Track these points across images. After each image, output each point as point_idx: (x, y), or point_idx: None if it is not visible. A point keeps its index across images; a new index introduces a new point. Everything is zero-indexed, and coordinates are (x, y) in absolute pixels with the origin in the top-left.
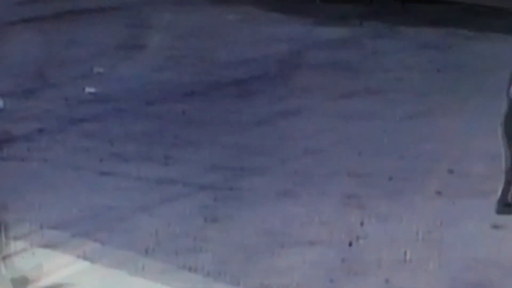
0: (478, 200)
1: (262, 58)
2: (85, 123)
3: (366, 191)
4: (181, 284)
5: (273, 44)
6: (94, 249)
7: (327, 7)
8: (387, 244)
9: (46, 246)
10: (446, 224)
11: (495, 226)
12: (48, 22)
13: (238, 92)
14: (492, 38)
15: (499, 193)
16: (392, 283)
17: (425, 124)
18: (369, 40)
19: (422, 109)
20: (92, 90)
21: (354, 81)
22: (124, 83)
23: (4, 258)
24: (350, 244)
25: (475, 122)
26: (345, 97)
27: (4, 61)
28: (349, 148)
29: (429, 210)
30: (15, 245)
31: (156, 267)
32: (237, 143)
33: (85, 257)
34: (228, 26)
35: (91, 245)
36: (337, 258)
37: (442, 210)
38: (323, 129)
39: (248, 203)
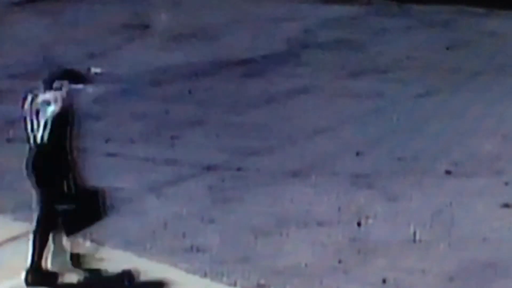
0: (488, 179)
1: (270, 37)
2: (91, 104)
3: (375, 170)
4: (188, 265)
5: (281, 23)
6: (101, 231)
7: None
8: (396, 224)
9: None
10: (456, 203)
11: (506, 205)
12: (52, 2)
13: (245, 72)
14: (502, 15)
15: None
16: (401, 264)
17: (435, 103)
18: (377, 18)
19: (431, 87)
20: (98, 70)
21: (362, 60)
22: (131, 63)
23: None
24: (359, 224)
25: (485, 100)
26: (353, 76)
27: (8, 42)
28: (357, 127)
29: (438, 189)
30: (22, 227)
31: (164, 248)
32: (245, 123)
33: (92, 239)
34: (235, 5)
35: (97, 226)
36: (346, 239)
37: (452, 190)
38: (332, 109)
39: (256, 183)
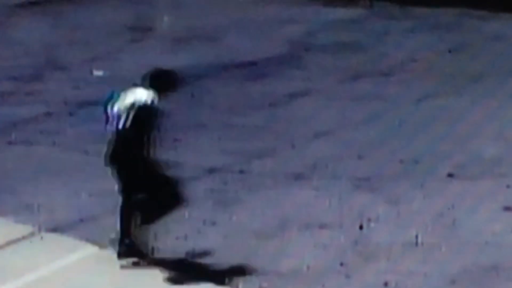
0: (491, 183)
1: (272, 40)
2: (93, 106)
3: (377, 173)
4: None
5: (283, 25)
6: (102, 234)
7: None
8: (398, 227)
9: (55, 230)
10: (458, 206)
11: (508, 208)
12: (56, 4)
13: (248, 74)
14: (504, 18)
15: None
16: (403, 266)
17: (437, 105)
18: (380, 21)
19: (434, 90)
20: (100, 73)
21: (364, 63)
22: (133, 65)
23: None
24: (361, 227)
25: (488, 103)
26: (355, 79)
27: (11, 43)
28: (359, 130)
29: (440, 192)
30: (24, 230)
31: (166, 250)
32: (247, 126)
33: (93, 242)
34: (237, 7)
35: (99, 229)
36: (348, 241)
37: (454, 193)
38: (334, 111)
39: (258, 186)
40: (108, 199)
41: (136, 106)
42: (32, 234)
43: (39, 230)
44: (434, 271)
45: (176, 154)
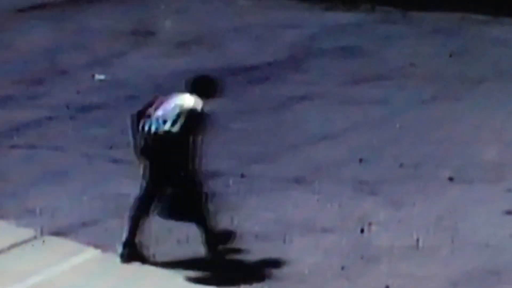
0: (491, 186)
1: (274, 44)
2: (95, 110)
3: (378, 177)
4: (191, 272)
5: (285, 30)
6: (104, 237)
7: None
8: (399, 230)
9: (57, 234)
10: (459, 210)
11: (508, 212)
12: (58, 9)
13: (250, 78)
14: (505, 23)
15: None
16: (404, 270)
17: (438, 109)
18: (381, 25)
19: (435, 94)
20: (101, 77)
21: (366, 67)
22: (135, 69)
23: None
24: (362, 231)
25: (488, 107)
26: (357, 83)
27: (13, 47)
28: (361, 134)
29: (441, 196)
30: (25, 234)
31: (167, 254)
32: (248, 130)
33: (95, 245)
34: (239, 12)
35: (101, 233)
36: (349, 245)
37: (454, 196)
38: (335, 115)
39: (260, 190)
40: (110, 202)
41: (185, 111)
42: (34, 238)
43: (41, 233)
44: (435, 275)
45: None
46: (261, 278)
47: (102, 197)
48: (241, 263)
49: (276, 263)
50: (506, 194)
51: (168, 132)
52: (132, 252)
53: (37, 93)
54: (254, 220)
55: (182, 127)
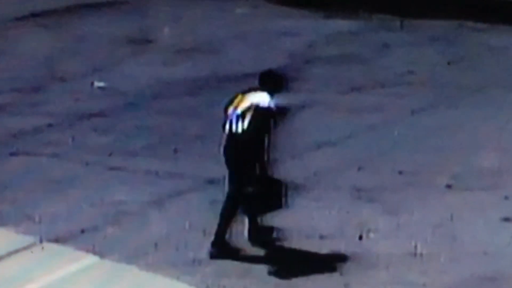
0: (489, 193)
1: (272, 52)
2: (94, 118)
3: (377, 184)
4: (190, 278)
5: (284, 37)
6: (103, 244)
7: (337, 0)
8: (397, 237)
9: (56, 241)
10: (457, 217)
11: (506, 219)
12: (56, 17)
13: (248, 86)
14: (503, 31)
15: None
16: (402, 277)
17: (436, 117)
18: (379, 33)
19: (433, 102)
20: (101, 84)
21: (364, 75)
22: (134, 77)
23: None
24: (361, 238)
25: (486, 114)
26: (355, 91)
27: (12, 55)
28: (359, 142)
29: (439, 203)
30: (25, 241)
31: (166, 261)
32: None
33: (94, 252)
34: (237, 19)
35: (100, 239)
36: (348, 252)
37: (452, 204)
38: (334, 123)
39: None
40: (109, 210)
41: (255, 108)
42: (33, 245)
43: (40, 240)
44: (433, 282)
45: (176, 165)
46: (260, 284)
47: (101, 204)
48: (239, 269)
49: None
50: (504, 201)
51: (243, 131)
52: (222, 250)
53: (36, 100)
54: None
55: (253, 125)
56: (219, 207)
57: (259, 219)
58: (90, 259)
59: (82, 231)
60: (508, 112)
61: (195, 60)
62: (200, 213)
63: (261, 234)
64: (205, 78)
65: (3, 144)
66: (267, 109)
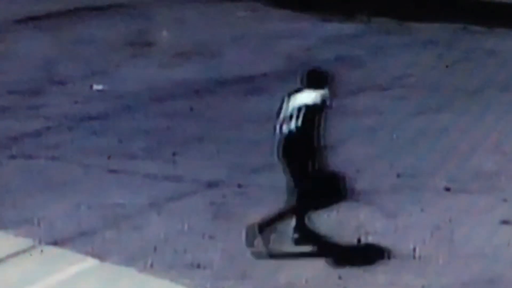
0: (487, 196)
1: (271, 55)
2: (93, 121)
3: (375, 187)
4: (189, 281)
5: (282, 40)
6: (102, 247)
7: (336, 3)
8: (396, 240)
9: (55, 243)
10: (455, 220)
11: (504, 222)
12: (55, 20)
13: (247, 89)
14: (501, 34)
15: None
16: (400, 280)
17: (434, 120)
18: (377, 36)
19: (431, 104)
20: (99, 87)
21: (362, 78)
22: (133, 80)
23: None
24: (359, 241)
25: (485, 117)
26: (353, 94)
27: (11, 58)
28: (357, 144)
29: (438, 206)
30: (24, 243)
31: (165, 264)
32: (246, 140)
33: (93, 255)
34: (236, 22)
35: (99, 242)
36: (346, 255)
37: (451, 206)
38: (332, 126)
39: (257, 200)
40: (107, 212)
41: (306, 106)
42: (32, 248)
43: (39, 243)
44: (432, 284)
45: (175, 168)
46: (258, 287)
47: (100, 207)
48: (238, 272)
49: (273, 273)
50: (502, 204)
51: (294, 130)
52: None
53: (35, 103)
54: None
55: (305, 123)
56: (218, 210)
57: (306, 218)
58: (89, 262)
59: (81, 234)
60: (506, 115)
61: (194, 63)
62: (199, 216)
63: (306, 232)
64: (204, 81)
65: (2, 147)
66: (317, 106)
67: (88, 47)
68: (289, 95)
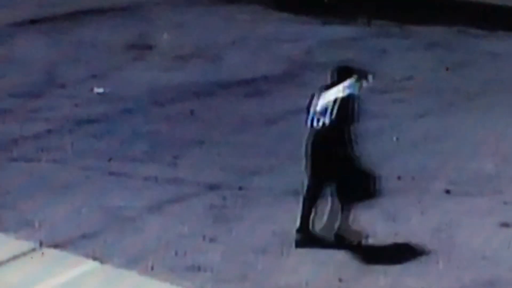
0: (487, 199)
1: (271, 58)
2: (94, 124)
3: None
4: (190, 283)
5: (282, 43)
6: (103, 249)
7: (336, 6)
8: (396, 242)
9: (56, 246)
10: (455, 222)
11: (504, 225)
12: (56, 23)
13: (247, 92)
14: (501, 37)
15: None
16: (401, 282)
17: (435, 123)
18: (378, 39)
19: (432, 107)
20: (100, 90)
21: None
22: (134, 83)
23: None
24: (359, 243)
25: (485, 120)
26: None
27: (11, 62)
28: (357, 147)
29: (438, 209)
30: (24, 246)
31: (165, 266)
32: (246, 143)
33: (94, 257)
34: (236, 25)
35: (100, 245)
36: (346, 257)
37: (451, 209)
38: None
39: (257, 202)
40: (108, 215)
41: (338, 102)
42: (33, 250)
43: (40, 246)
44: (432, 287)
45: (176, 170)
46: None
47: (101, 210)
48: (238, 275)
49: (273, 275)
50: (502, 206)
51: (325, 125)
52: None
53: (36, 106)
54: (252, 233)
55: (336, 118)
56: (218, 213)
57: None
58: (90, 265)
59: (82, 237)
60: (506, 118)
61: (195, 66)
62: (200, 218)
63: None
64: (205, 84)
65: (3, 150)
66: (346, 100)
67: (89, 50)
68: (321, 89)
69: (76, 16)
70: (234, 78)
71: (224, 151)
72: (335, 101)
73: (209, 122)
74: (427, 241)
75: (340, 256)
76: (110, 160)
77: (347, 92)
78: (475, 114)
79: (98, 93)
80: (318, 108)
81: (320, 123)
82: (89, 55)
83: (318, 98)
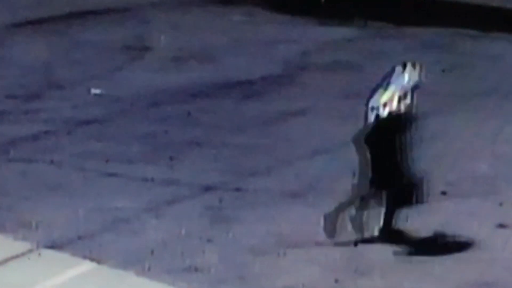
0: (484, 200)
1: (267, 59)
2: (91, 125)
3: None
4: (186, 285)
5: (279, 45)
6: (100, 250)
7: (332, 7)
8: (393, 244)
9: (53, 247)
10: (452, 224)
11: (501, 226)
12: (53, 24)
13: (244, 93)
14: (497, 38)
15: None
16: (397, 284)
17: (430, 124)
18: (374, 41)
19: (427, 109)
20: (97, 91)
21: (359, 82)
22: (131, 84)
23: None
24: (356, 244)
25: (481, 122)
26: (351, 98)
27: (9, 62)
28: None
29: (434, 210)
30: (23, 247)
31: (162, 268)
32: (243, 144)
33: (91, 258)
34: (233, 27)
35: (97, 246)
36: (343, 259)
37: (447, 210)
38: (329, 130)
39: (254, 204)
40: (106, 216)
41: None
42: (30, 251)
43: (37, 246)
44: None
45: (172, 172)
46: None
47: (98, 211)
48: (235, 276)
49: (270, 277)
50: (498, 207)
51: (382, 120)
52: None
53: (33, 107)
54: (249, 234)
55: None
56: (215, 214)
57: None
58: (87, 266)
59: (79, 238)
60: (502, 119)
61: (192, 67)
62: (197, 220)
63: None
64: (201, 85)
65: (0, 151)
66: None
67: (86, 51)
68: (383, 81)
69: (74, 17)
70: (231, 79)
71: (221, 152)
72: (403, 91)
73: (206, 123)
74: (423, 242)
75: (337, 256)
76: (107, 161)
77: (414, 81)
78: (471, 116)
79: (95, 94)
80: (383, 100)
81: (386, 113)
82: (86, 56)
83: (378, 92)
